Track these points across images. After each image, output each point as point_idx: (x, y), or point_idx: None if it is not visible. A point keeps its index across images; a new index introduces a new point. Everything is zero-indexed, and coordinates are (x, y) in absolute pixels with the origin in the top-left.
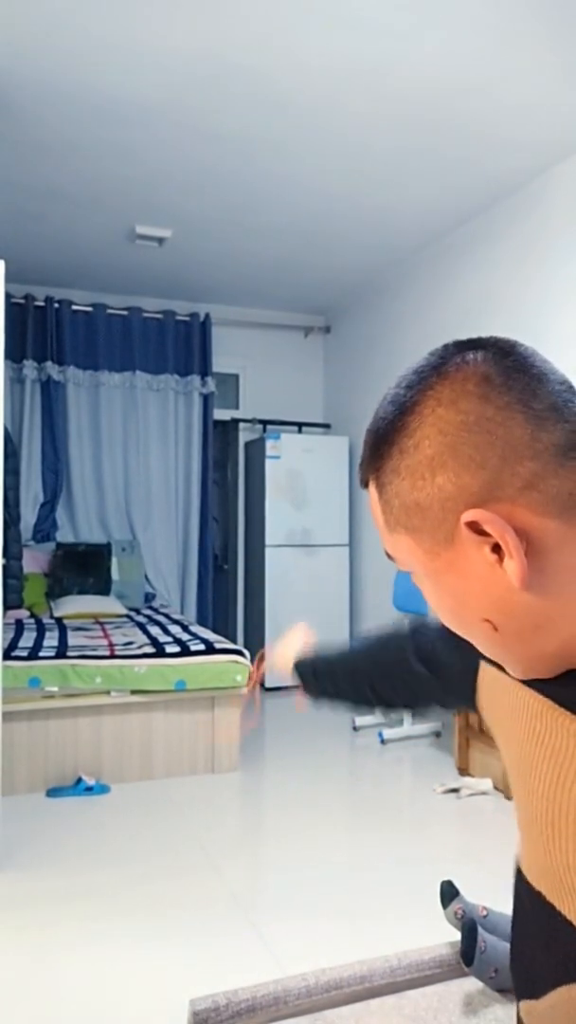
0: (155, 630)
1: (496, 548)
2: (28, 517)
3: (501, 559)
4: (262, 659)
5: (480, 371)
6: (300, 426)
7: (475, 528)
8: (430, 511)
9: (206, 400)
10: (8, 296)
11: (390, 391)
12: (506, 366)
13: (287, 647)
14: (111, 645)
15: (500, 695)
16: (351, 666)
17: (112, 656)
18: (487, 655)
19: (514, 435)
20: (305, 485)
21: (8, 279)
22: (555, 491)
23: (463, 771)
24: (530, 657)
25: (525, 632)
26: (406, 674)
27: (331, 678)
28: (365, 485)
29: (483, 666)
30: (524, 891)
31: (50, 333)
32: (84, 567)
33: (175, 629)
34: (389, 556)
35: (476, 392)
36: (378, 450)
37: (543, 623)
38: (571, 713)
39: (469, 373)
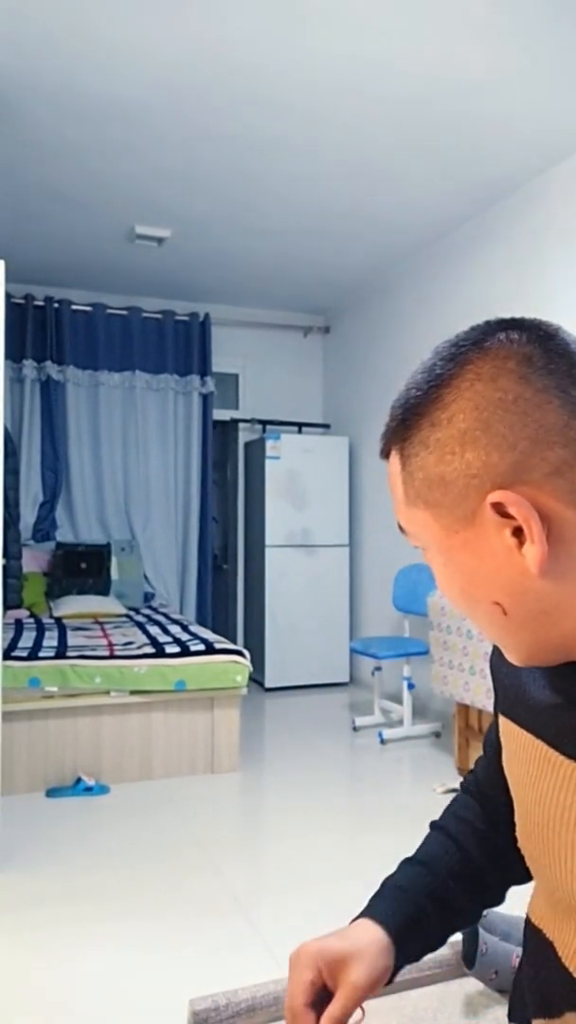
0: (155, 630)
1: (517, 532)
2: (28, 516)
3: (521, 543)
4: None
5: (523, 351)
6: (300, 426)
7: (499, 510)
8: (454, 486)
9: (205, 400)
10: (8, 296)
11: (425, 362)
12: (549, 349)
13: (344, 956)
14: (111, 645)
15: (509, 742)
16: (437, 862)
17: (112, 656)
18: (488, 638)
19: (548, 420)
20: (305, 485)
21: (8, 279)
22: None
23: (463, 771)
24: (533, 644)
25: (533, 618)
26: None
27: (445, 901)
28: (386, 456)
29: (500, 720)
30: (529, 931)
31: (50, 333)
32: (83, 567)
33: (175, 629)
34: (403, 530)
35: (517, 371)
36: (407, 421)
37: (552, 611)
38: (559, 752)
39: (512, 351)
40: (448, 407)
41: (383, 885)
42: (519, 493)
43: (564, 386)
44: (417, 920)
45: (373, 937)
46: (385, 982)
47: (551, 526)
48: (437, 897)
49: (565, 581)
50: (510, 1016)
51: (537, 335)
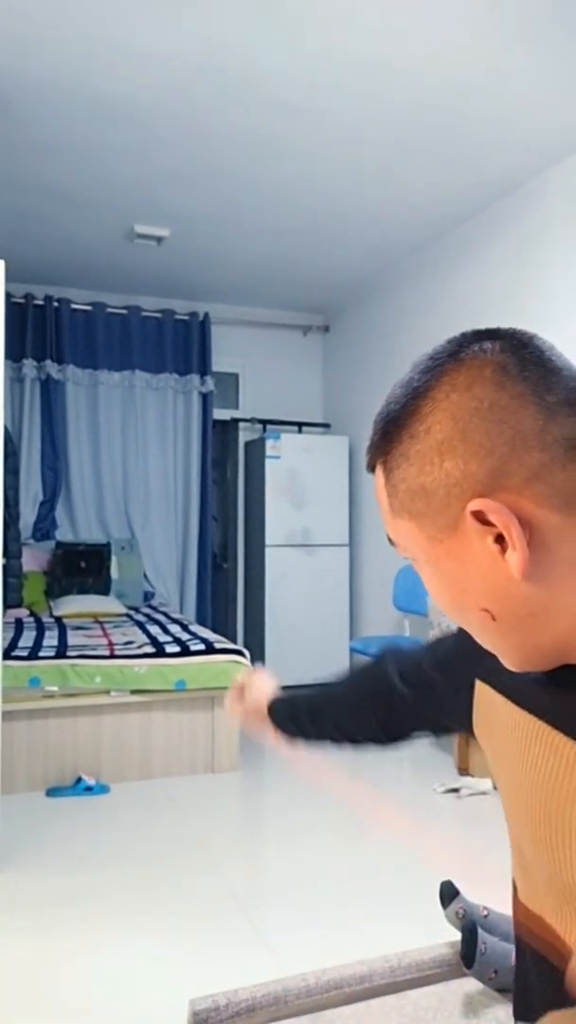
0: (155, 629)
1: (499, 538)
2: (27, 516)
3: (504, 549)
4: (242, 690)
5: (497, 360)
6: (300, 426)
7: (480, 517)
8: (435, 496)
9: (205, 399)
10: (8, 295)
11: (404, 376)
12: (523, 357)
13: (258, 691)
14: (111, 644)
15: (496, 717)
16: (327, 705)
17: (112, 656)
18: (483, 645)
19: (525, 425)
20: (305, 485)
21: (8, 278)
22: (561, 485)
23: (463, 771)
24: (525, 648)
25: (521, 623)
26: (391, 701)
27: (311, 718)
28: (372, 469)
29: (479, 686)
30: (525, 916)
31: (49, 332)
32: (83, 566)
33: (175, 628)
34: (391, 541)
35: (492, 379)
36: (388, 434)
37: (539, 615)
38: (564, 734)
39: (486, 361)
40: (425, 418)
41: (294, 696)
42: (498, 500)
43: (539, 391)
44: (293, 716)
45: (265, 698)
46: (263, 718)
47: (533, 530)
48: (314, 710)
49: (550, 584)
50: (516, 1016)
51: (511, 344)
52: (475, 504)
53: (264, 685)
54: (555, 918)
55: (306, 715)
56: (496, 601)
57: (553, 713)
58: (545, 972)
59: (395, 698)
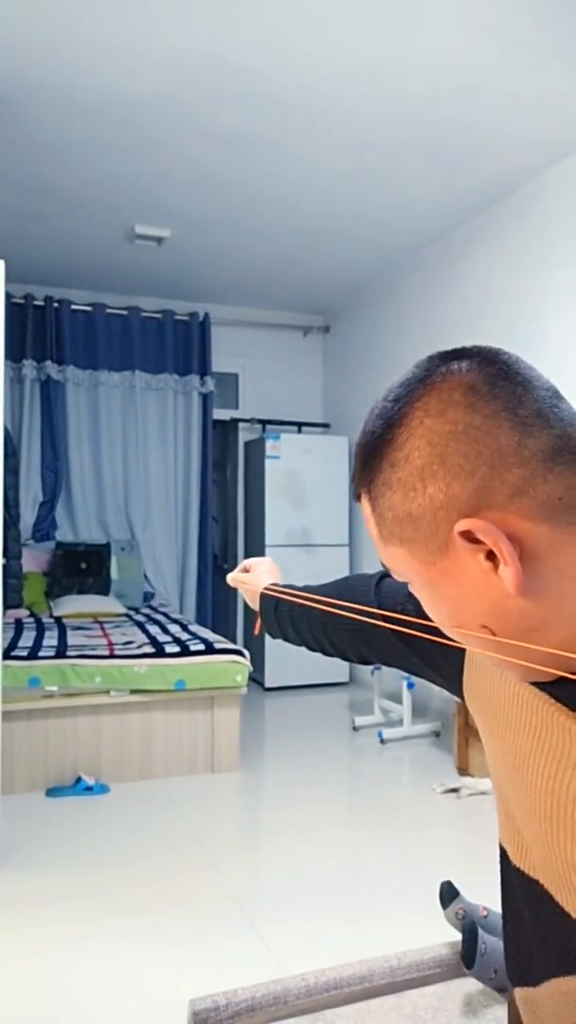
0: (154, 629)
1: (490, 555)
2: (27, 516)
3: (496, 566)
4: (246, 570)
5: (466, 380)
6: (300, 426)
7: (469, 537)
8: (423, 521)
9: (205, 400)
10: (8, 296)
11: (377, 405)
12: (491, 374)
13: (258, 576)
14: (110, 645)
15: (491, 683)
16: (313, 610)
17: (112, 656)
18: (487, 661)
19: (501, 443)
20: (305, 485)
21: (8, 279)
22: (544, 496)
23: (463, 771)
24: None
25: (521, 636)
26: (369, 629)
27: (291, 618)
28: (358, 499)
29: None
30: (518, 880)
31: (49, 333)
32: (83, 566)
33: (174, 628)
34: (385, 568)
35: (463, 401)
36: (368, 464)
37: (539, 626)
38: (566, 709)
39: (455, 383)
40: (403, 446)
41: (286, 585)
42: (485, 518)
43: (511, 407)
44: (278, 612)
45: (261, 586)
46: (255, 600)
47: (523, 544)
48: (296, 612)
49: (546, 595)
50: (512, 980)
51: (478, 362)
52: (462, 524)
53: (265, 574)
54: (552, 885)
55: (287, 615)
56: (494, 618)
57: (552, 687)
58: (543, 933)
59: (374, 627)
